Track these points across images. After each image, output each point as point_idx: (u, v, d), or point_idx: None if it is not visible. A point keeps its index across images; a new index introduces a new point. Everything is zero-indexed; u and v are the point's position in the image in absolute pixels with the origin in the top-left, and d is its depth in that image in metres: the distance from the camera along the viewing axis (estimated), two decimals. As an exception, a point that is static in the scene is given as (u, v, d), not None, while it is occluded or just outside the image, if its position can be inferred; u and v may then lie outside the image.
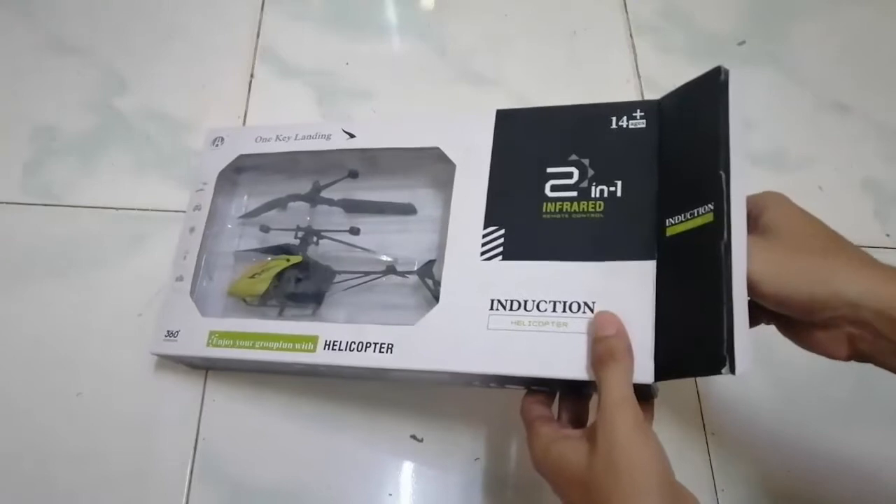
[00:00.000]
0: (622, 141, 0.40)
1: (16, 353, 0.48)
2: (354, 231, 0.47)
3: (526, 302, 0.37)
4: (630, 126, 0.40)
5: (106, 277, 0.50)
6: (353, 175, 0.48)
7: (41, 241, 0.52)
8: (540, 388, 0.39)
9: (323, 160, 0.49)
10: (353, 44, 0.64)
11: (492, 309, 0.38)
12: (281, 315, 0.46)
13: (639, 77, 0.63)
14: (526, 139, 0.42)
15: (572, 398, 0.38)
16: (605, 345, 0.34)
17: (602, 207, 0.38)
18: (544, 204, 0.40)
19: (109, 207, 0.54)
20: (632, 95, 0.62)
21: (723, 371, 0.31)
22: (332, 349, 0.40)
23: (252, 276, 0.46)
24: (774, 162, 0.59)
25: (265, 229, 0.49)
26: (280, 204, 0.50)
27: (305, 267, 0.46)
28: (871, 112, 0.63)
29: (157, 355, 0.46)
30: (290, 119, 0.59)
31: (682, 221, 0.35)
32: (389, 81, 0.62)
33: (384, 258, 0.46)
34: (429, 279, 0.43)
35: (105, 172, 0.55)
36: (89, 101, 0.59)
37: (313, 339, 0.41)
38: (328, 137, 0.47)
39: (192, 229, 0.48)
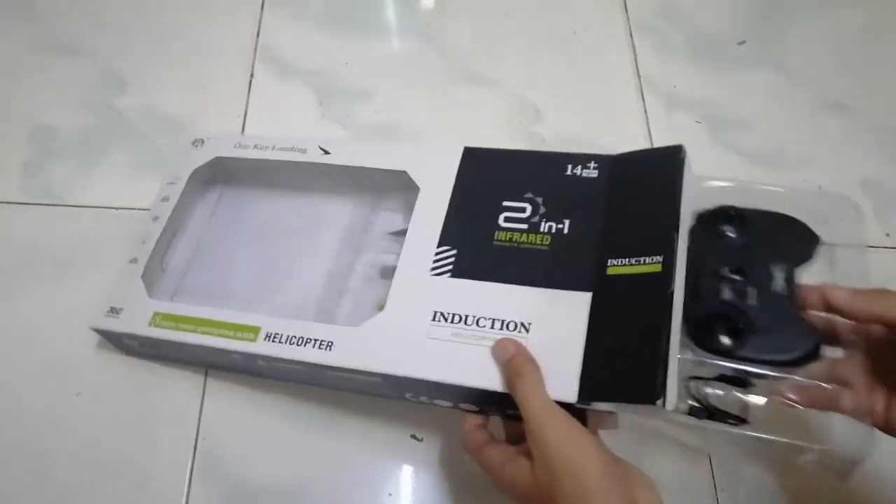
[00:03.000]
0: (574, 186, 0.44)
1: (15, 352, 0.48)
2: None
3: (467, 317, 0.40)
4: (583, 174, 0.44)
5: (105, 277, 0.50)
6: None
7: (41, 241, 0.52)
8: (469, 407, 0.40)
9: (301, 175, 0.51)
10: (353, 44, 0.64)
11: (433, 320, 0.40)
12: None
13: (639, 77, 0.64)
14: (488, 174, 0.46)
15: (514, 417, 0.39)
16: (509, 366, 0.36)
17: (549, 241, 0.42)
18: (496, 232, 0.43)
19: (109, 207, 0.54)
20: (632, 95, 0.62)
21: (657, 403, 0.33)
22: (273, 341, 0.42)
23: None
24: (774, 162, 0.59)
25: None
26: None
27: None
28: (870, 112, 0.63)
29: (97, 331, 0.46)
30: (289, 119, 0.60)
31: (625, 265, 0.39)
32: (389, 81, 0.62)
33: None
34: None
35: (105, 172, 0.55)
36: (89, 101, 0.59)
37: (255, 330, 0.42)
38: (304, 151, 0.50)
39: (155, 218, 0.49)
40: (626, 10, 0.68)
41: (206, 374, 0.48)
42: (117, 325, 0.45)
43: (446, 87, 0.62)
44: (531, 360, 0.36)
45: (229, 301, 0.46)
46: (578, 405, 0.35)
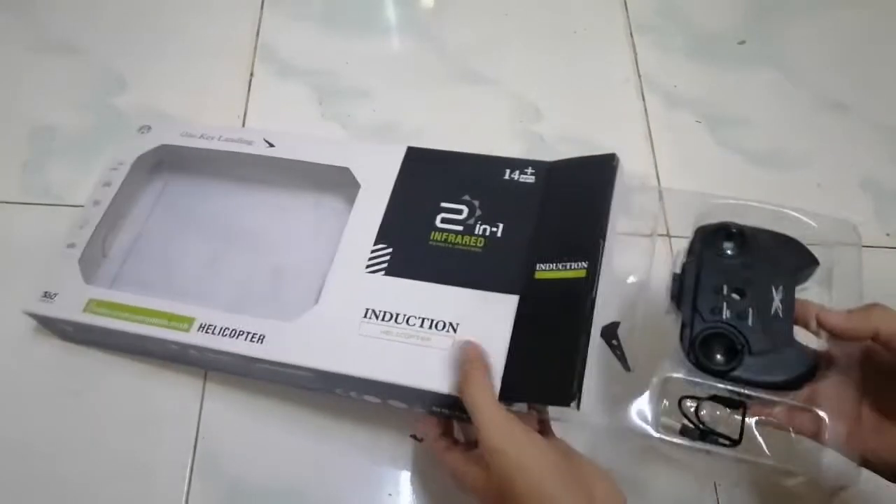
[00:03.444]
0: (511, 191, 0.45)
1: (15, 352, 0.48)
2: None
3: (398, 315, 0.41)
4: (520, 179, 0.45)
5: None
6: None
7: (40, 241, 0.52)
8: (398, 405, 0.41)
9: (247, 167, 0.51)
10: (353, 43, 0.64)
11: (365, 317, 0.41)
12: None
13: (639, 76, 0.63)
14: (428, 175, 0.47)
15: (454, 417, 0.40)
16: (462, 370, 0.37)
17: (482, 243, 0.43)
18: (433, 232, 0.44)
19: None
20: (631, 94, 0.62)
21: (571, 405, 0.35)
22: (206, 332, 0.42)
23: None
24: (773, 161, 0.59)
25: None
26: None
27: None
28: (870, 111, 0.62)
29: (30, 315, 0.46)
30: (289, 119, 0.60)
31: (552, 269, 0.40)
32: (389, 81, 0.62)
33: None
34: (614, 341, 0.41)
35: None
36: (88, 101, 0.59)
37: (189, 321, 0.43)
38: (249, 143, 0.50)
39: (96, 202, 0.49)
40: (627, 10, 0.68)
41: (205, 374, 0.48)
42: (51, 310, 0.45)
43: (446, 87, 0.62)
44: (484, 368, 0.37)
45: (169, 291, 0.46)
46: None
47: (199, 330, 0.42)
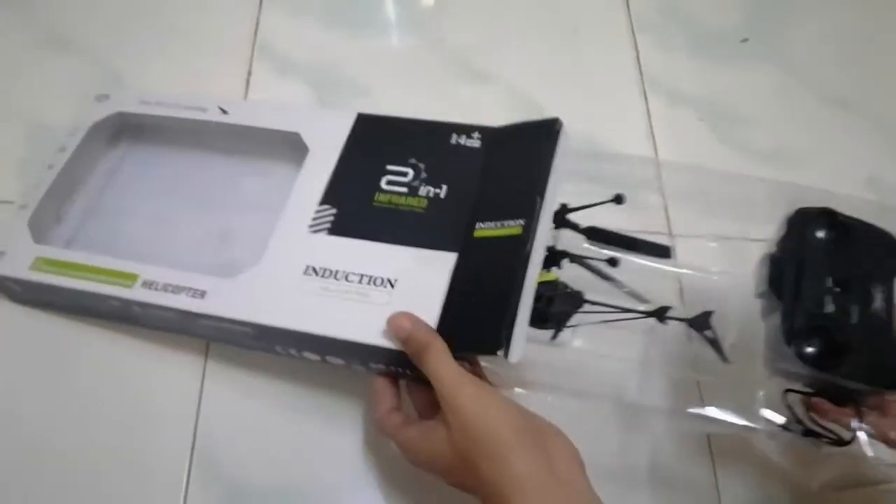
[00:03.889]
0: (456, 154, 0.46)
1: (14, 352, 0.47)
2: (613, 262, 0.44)
3: (337, 272, 0.42)
4: (466, 144, 0.46)
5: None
6: (619, 200, 0.44)
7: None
8: (336, 361, 0.42)
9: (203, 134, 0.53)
10: (352, 40, 0.64)
11: (305, 274, 0.42)
12: None
13: (640, 74, 0.63)
14: (377, 140, 0.48)
15: (418, 389, 0.40)
16: (412, 340, 0.37)
17: (426, 204, 0.44)
18: (377, 193, 0.45)
19: (107, 206, 0.53)
20: (633, 92, 0.62)
21: (498, 353, 0.36)
22: (149, 288, 0.43)
23: None
24: (777, 159, 0.59)
25: None
26: None
27: (553, 287, 0.42)
28: (873, 109, 0.62)
29: None
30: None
31: (491, 228, 0.41)
32: (389, 78, 0.62)
33: (645, 298, 0.44)
34: (707, 332, 0.41)
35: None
36: (86, 98, 0.58)
37: (133, 277, 0.44)
38: (204, 110, 0.51)
39: (50, 166, 0.50)
40: (628, 7, 0.67)
41: (203, 374, 0.47)
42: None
43: (446, 84, 0.62)
44: (431, 332, 0.38)
45: (119, 253, 0.47)
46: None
47: (142, 286, 0.43)
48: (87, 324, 0.48)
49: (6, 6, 0.62)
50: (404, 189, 0.45)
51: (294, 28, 0.64)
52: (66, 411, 0.46)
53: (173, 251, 0.48)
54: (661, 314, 0.42)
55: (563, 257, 0.43)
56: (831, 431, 0.35)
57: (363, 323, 0.39)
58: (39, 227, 0.47)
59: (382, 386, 0.41)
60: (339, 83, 0.61)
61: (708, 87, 0.63)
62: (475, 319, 0.38)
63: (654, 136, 0.59)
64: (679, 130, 0.60)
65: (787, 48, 0.66)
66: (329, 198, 0.45)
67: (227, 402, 0.46)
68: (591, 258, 0.43)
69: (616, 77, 0.63)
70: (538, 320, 0.41)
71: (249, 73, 0.61)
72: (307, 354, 0.43)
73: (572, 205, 0.44)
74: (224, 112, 0.51)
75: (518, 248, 0.39)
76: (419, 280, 0.41)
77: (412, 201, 0.44)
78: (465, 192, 0.44)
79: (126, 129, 0.55)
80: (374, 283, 0.41)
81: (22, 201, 0.48)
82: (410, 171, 0.46)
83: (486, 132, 0.47)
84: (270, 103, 0.58)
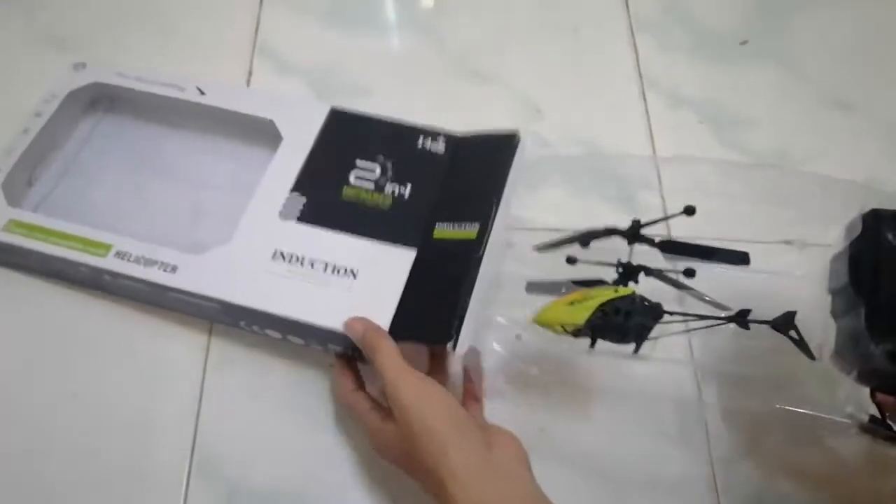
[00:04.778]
0: (422, 157, 0.50)
1: (14, 352, 0.48)
2: (689, 273, 0.44)
3: (303, 258, 0.45)
4: (431, 148, 0.50)
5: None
6: (690, 212, 0.44)
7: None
8: (296, 341, 0.44)
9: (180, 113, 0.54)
10: (352, 40, 0.64)
11: (273, 258, 0.45)
12: (592, 348, 0.42)
13: (640, 74, 0.63)
14: (348, 134, 0.51)
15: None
16: (364, 342, 0.41)
17: (390, 202, 0.48)
18: (345, 187, 0.48)
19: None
20: (633, 92, 0.62)
21: (448, 345, 0.40)
22: (122, 259, 0.45)
23: (571, 304, 0.42)
24: (778, 159, 0.59)
25: (572, 261, 0.46)
26: (588, 238, 0.46)
27: (631, 301, 0.42)
28: (874, 109, 0.62)
29: None
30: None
31: (448, 230, 0.45)
32: (389, 78, 0.62)
33: (725, 305, 0.43)
34: (792, 332, 0.41)
35: (102, 170, 0.55)
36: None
37: (107, 247, 0.46)
38: (182, 89, 0.53)
39: (25, 130, 0.51)
40: (628, 8, 0.67)
41: (203, 374, 0.47)
42: None
43: (447, 85, 0.62)
44: (380, 332, 0.41)
45: (90, 221, 0.48)
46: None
47: (115, 256, 0.45)
48: (85, 304, 0.49)
49: (6, 5, 0.62)
50: (371, 185, 0.48)
51: (294, 28, 0.64)
52: (66, 411, 0.46)
53: (145, 223, 0.50)
54: (741, 318, 0.42)
55: (640, 271, 0.44)
56: None
57: (324, 308, 0.42)
58: (12, 191, 0.49)
59: (343, 366, 0.44)
60: (339, 83, 0.61)
61: (708, 88, 0.63)
62: (430, 312, 0.42)
63: (653, 138, 0.59)
64: (679, 132, 0.60)
65: (787, 48, 0.66)
66: (300, 186, 0.48)
67: (228, 402, 0.47)
68: (668, 270, 0.44)
69: (616, 78, 0.63)
70: (618, 334, 0.41)
71: (250, 73, 0.61)
72: (269, 332, 0.45)
73: (644, 220, 0.44)
74: (202, 93, 0.53)
75: (471, 251, 0.43)
76: (380, 272, 0.44)
77: (378, 198, 0.48)
78: (427, 194, 0.48)
79: (102, 100, 0.56)
80: (338, 272, 0.44)
81: None
82: (378, 169, 0.49)
83: (450, 139, 0.50)
84: (248, 89, 0.59)
